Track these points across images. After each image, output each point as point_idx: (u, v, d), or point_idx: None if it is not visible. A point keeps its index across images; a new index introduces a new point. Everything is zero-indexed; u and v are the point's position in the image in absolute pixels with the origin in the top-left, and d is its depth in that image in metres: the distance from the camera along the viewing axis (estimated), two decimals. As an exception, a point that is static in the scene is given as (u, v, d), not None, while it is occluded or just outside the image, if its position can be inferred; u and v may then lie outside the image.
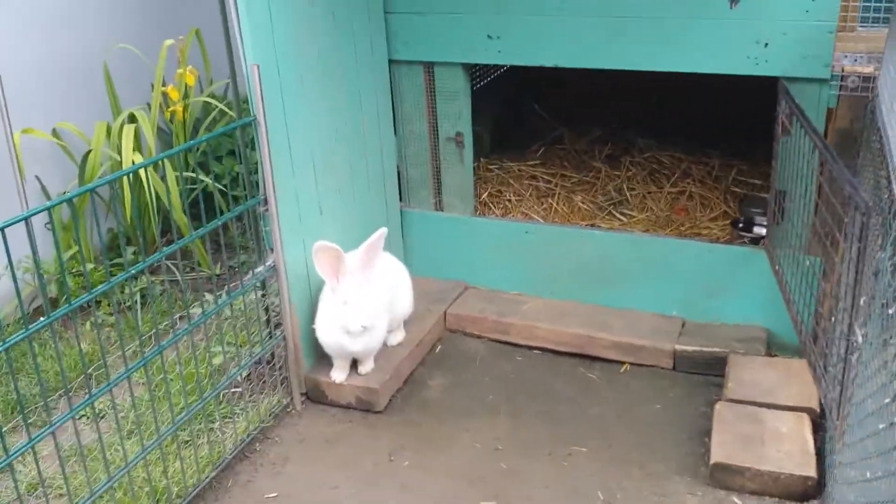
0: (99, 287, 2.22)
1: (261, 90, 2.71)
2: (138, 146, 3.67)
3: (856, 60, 3.15)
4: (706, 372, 3.15)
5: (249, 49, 2.71)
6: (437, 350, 3.46)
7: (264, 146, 2.75)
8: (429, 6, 3.42)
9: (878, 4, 2.99)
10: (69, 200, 2.11)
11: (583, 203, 3.93)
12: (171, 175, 3.64)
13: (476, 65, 3.87)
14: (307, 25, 2.97)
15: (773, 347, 3.22)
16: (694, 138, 4.34)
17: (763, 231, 3.31)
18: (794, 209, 2.87)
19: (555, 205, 3.92)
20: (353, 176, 3.36)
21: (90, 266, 3.69)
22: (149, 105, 3.95)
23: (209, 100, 4.12)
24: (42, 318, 1.99)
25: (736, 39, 2.98)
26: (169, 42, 3.84)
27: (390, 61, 3.58)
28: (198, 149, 4.07)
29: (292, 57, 2.89)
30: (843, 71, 2.90)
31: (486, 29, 3.36)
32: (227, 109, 4.05)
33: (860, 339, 1.93)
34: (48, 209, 2.05)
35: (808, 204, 2.76)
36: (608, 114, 4.74)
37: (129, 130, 3.60)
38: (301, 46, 2.94)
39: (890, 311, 1.59)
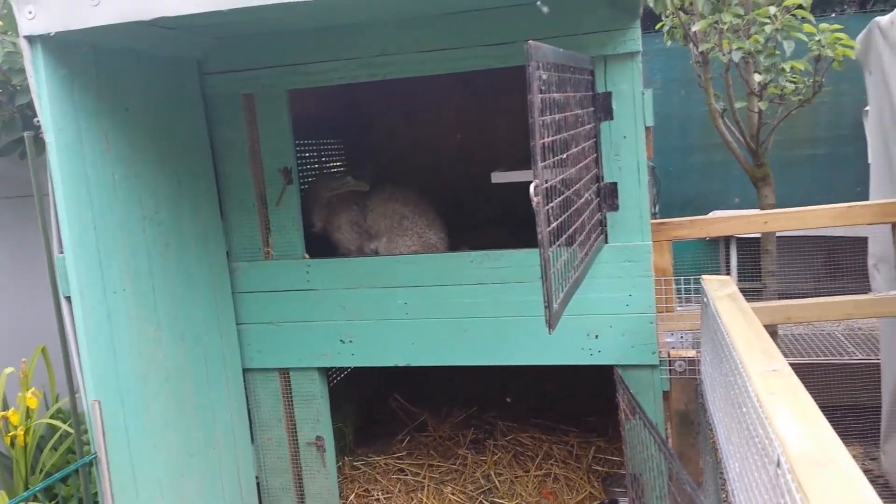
0: None
1: (102, 427, 2.61)
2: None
3: (681, 338, 3.46)
4: None
5: (91, 385, 2.64)
6: None
7: (106, 487, 2.59)
8: (282, 315, 3.50)
9: (688, 286, 3.34)
10: None
11: (453, 494, 3.87)
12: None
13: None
14: (152, 352, 2.95)
15: None
16: (552, 415, 4.47)
17: (628, 511, 3.33)
18: (650, 493, 2.94)
19: (424, 499, 3.84)
20: (206, 500, 3.19)
21: None
22: (-14, 432, 3.70)
23: (53, 421, 3.91)
24: None
25: (569, 333, 3.19)
26: (9, 370, 3.70)
27: (245, 370, 3.58)
28: (41, 470, 3.78)
29: (138, 387, 2.83)
30: (669, 356, 3.15)
31: (338, 334, 3.45)
32: (69, 430, 3.84)
33: None
34: None
35: (663, 487, 2.84)
36: (468, 395, 4.84)
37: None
38: (147, 375, 2.90)
39: None
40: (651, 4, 3.97)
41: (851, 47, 3.41)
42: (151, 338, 2.95)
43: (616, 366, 3.15)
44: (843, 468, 1.26)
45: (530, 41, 1.90)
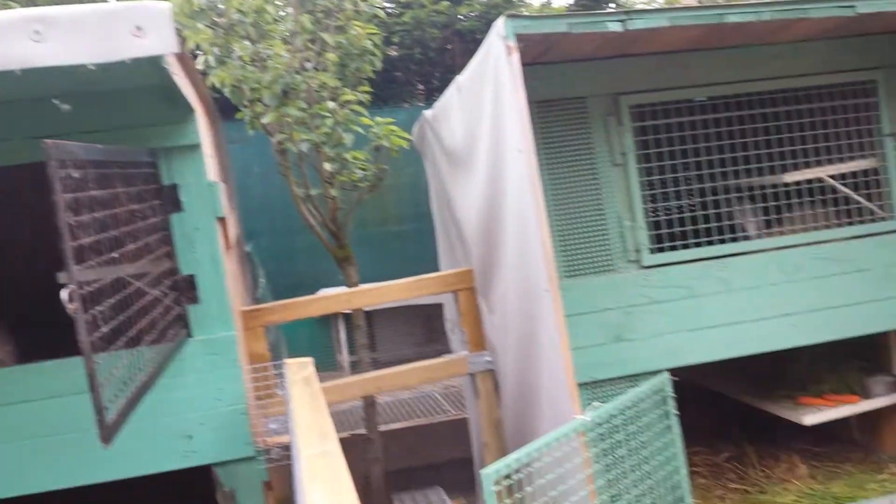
0: None
1: None
2: None
3: (285, 423, 3.46)
4: None
5: None
6: None
7: None
8: None
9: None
10: None
11: None
12: None
13: None
14: None
15: None
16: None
17: None
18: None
19: None
20: None
21: None
22: None
23: None
24: None
25: (161, 437, 3.01)
26: None
27: None
28: None
29: None
30: (266, 444, 3.12)
31: None
32: None
33: None
34: None
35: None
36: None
37: None
38: None
39: None
40: (228, 94, 4.03)
41: (405, 138, 3.80)
42: None
43: (213, 464, 3.04)
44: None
45: (48, 140, 1.78)
